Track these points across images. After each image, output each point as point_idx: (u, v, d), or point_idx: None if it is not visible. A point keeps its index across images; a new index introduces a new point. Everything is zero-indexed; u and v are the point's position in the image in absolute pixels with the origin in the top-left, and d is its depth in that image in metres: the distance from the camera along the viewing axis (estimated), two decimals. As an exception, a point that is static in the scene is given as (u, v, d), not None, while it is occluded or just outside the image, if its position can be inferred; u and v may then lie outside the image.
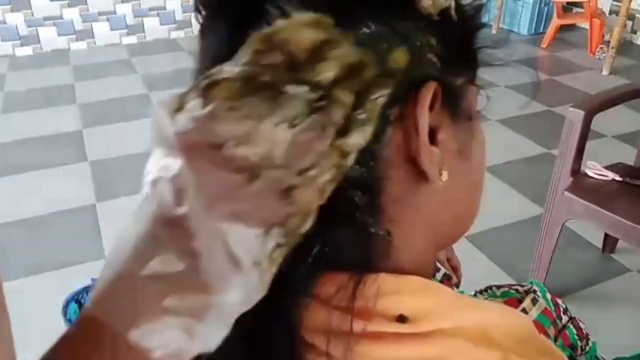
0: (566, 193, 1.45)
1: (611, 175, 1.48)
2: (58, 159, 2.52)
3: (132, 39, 4.16)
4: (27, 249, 1.93)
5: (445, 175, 0.33)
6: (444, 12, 0.33)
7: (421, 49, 0.32)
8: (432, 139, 0.33)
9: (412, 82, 0.31)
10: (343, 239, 0.32)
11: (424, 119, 0.32)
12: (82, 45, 4.04)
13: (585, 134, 1.45)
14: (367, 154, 0.31)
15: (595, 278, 1.73)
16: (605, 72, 3.38)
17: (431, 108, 0.32)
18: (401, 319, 0.32)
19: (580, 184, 1.47)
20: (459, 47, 0.34)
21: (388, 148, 0.32)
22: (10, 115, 2.98)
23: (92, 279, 1.49)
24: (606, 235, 1.79)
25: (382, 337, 0.31)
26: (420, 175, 0.33)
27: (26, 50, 3.92)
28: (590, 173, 1.49)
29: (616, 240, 1.80)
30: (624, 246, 1.82)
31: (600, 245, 1.84)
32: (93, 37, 4.07)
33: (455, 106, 0.34)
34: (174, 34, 4.25)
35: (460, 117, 0.35)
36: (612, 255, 1.83)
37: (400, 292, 0.33)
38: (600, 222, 1.44)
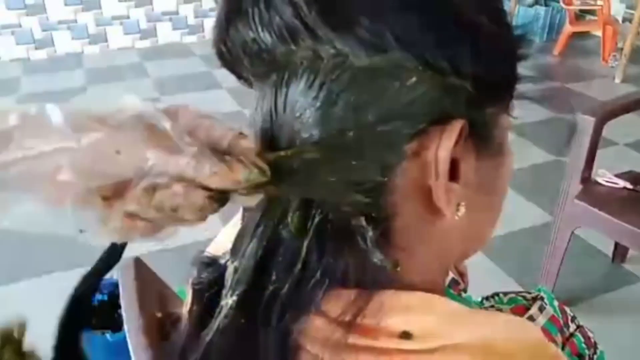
0: (576, 200, 1.44)
1: (622, 183, 1.47)
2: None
3: (144, 43, 4.20)
4: (33, 251, 1.95)
5: (462, 211, 0.33)
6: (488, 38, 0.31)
7: (453, 84, 0.30)
8: (453, 172, 0.31)
9: (437, 118, 0.30)
10: (350, 262, 0.32)
11: (445, 161, 0.30)
12: (95, 49, 4.09)
13: (596, 141, 1.44)
14: (375, 188, 0.31)
15: (604, 287, 1.71)
16: (617, 80, 3.35)
17: (455, 143, 0.31)
18: (405, 335, 0.32)
19: (591, 191, 1.46)
20: (497, 76, 0.32)
21: (402, 181, 0.31)
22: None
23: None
24: (617, 243, 1.77)
25: (386, 353, 0.31)
26: (435, 209, 0.32)
27: (41, 54, 3.97)
28: (600, 181, 1.48)
29: (627, 249, 1.78)
30: (635, 255, 1.80)
31: (610, 254, 1.82)
32: (106, 41, 4.12)
33: (482, 139, 0.33)
34: (186, 39, 4.29)
35: (487, 150, 0.33)
36: (623, 265, 1.80)
37: (405, 309, 0.32)
38: (610, 230, 1.43)
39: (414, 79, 0.29)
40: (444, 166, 0.31)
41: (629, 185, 1.46)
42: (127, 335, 0.46)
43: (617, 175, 1.49)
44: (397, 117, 0.30)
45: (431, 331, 0.32)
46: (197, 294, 0.38)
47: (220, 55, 0.33)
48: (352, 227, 0.32)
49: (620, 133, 2.50)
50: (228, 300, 0.34)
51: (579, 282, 1.71)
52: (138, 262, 0.50)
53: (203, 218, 0.31)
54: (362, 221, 0.31)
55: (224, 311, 0.34)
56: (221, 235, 0.47)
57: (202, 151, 0.29)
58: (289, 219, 0.32)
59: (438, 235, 0.34)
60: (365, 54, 0.29)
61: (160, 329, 0.47)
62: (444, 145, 0.30)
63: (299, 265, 0.32)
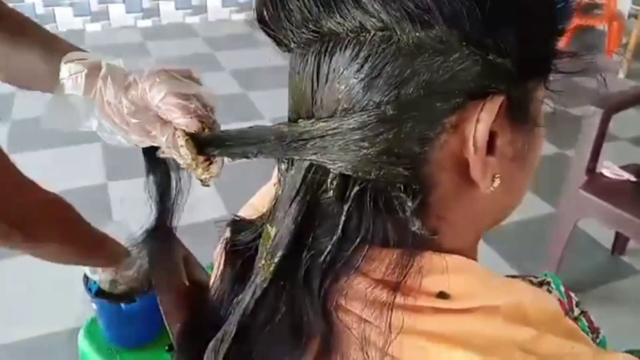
0: (581, 191, 1.45)
1: (626, 175, 1.48)
2: (70, 138, 2.53)
3: (147, 23, 4.16)
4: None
5: (497, 182, 0.33)
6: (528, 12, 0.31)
7: (494, 61, 0.30)
8: (490, 146, 0.32)
9: (477, 93, 0.30)
10: (390, 228, 0.33)
11: (484, 136, 0.31)
12: (97, 26, 4.05)
13: (603, 133, 1.44)
14: (413, 160, 0.31)
15: (604, 278, 1.73)
16: (621, 75, 3.36)
17: (495, 118, 0.31)
18: (442, 295, 0.32)
19: (596, 182, 1.47)
20: (538, 52, 0.33)
21: (440, 153, 0.32)
22: (25, 93, 2.99)
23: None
24: (616, 236, 1.79)
25: (423, 311, 0.32)
26: (472, 180, 0.33)
27: (42, 30, 3.93)
28: (606, 172, 1.49)
29: (626, 241, 1.80)
30: (634, 248, 1.82)
31: (610, 246, 1.83)
32: (108, 18, 4.08)
33: (519, 113, 0.33)
34: (189, 19, 4.25)
35: (523, 123, 0.34)
36: (622, 257, 1.82)
37: (442, 271, 0.33)
38: (613, 220, 1.44)
39: (456, 55, 0.29)
40: (482, 141, 0.31)
41: (632, 178, 1.47)
42: (159, 298, 0.46)
43: (621, 168, 1.50)
44: (438, 91, 0.30)
45: (468, 292, 0.33)
46: (232, 256, 0.38)
47: (262, 20, 0.33)
48: (388, 196, 0.32)
49: (622, 128, 2.51)
50: (265, 264, 0.34)
51: (579, 273, 1.73)
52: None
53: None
54: (401, 191, 0.32)
55: (261, 275, 0.34)
56: (256, 198, 0.48)
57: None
58: (329, 186, 0.33)
59: (473, 205, 0.35)
60: (411, 28, 0.29)
61: (189, 294, 0.47)
62: (483, 120, 0.31)
63: (339, 230, 0.33)
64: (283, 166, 0.36)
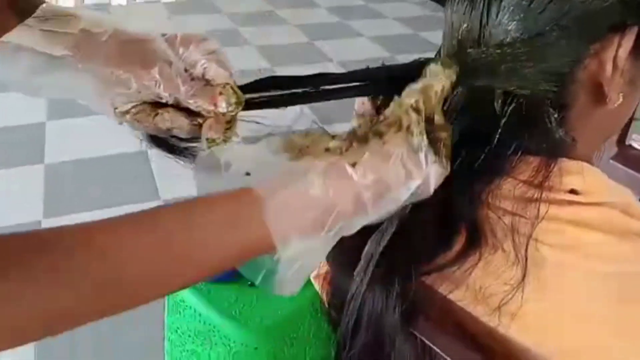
0: (611, 161, 1.54)
1: (653, 147, 1.56)
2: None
3: (170, -2, 4.20)
4: (84, 188, 2.04)
5: (620, 100, 0.42)
6: None
7: None
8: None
9: (615, 25, 0.39)
10: (537, 137, 0.41)
11: (623, 59, 0.40)
12: (122, 0, 4.09)
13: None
14: (562, 79, 0.40)
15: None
16: None
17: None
18: (573, 191, 0.41)
19: (625, 153, 1.55)
20: None
21: (582, 75, 0.41)
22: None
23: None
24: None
25: (561, 203, 0.41)
26: (600, 97, 0.42)
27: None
28: (635, 144, 1.57)
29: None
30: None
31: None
32: (133, -7, 4.12)
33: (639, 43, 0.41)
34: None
35: None
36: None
37: (576, 173, 0.42)
38: (640, 189, 1.53)
39: None
40: (622, 63, 0.40)
41: (659, 150, 1.56)
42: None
43: (649, 141, 1.59)
44: (589, 23, 0.39)
45: (594, 190, 0.42)
46: None
47: None
48: (540, 110, 0.41)
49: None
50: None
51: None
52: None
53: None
54: (549, 105, 0.40)
55: None
56: None
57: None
58: (494, 102, 0.41)
59: (597, 120, 0.44)
60: None
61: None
62: (624, 46, 0.40)
63: (495, 140, 0.41)
64: None
